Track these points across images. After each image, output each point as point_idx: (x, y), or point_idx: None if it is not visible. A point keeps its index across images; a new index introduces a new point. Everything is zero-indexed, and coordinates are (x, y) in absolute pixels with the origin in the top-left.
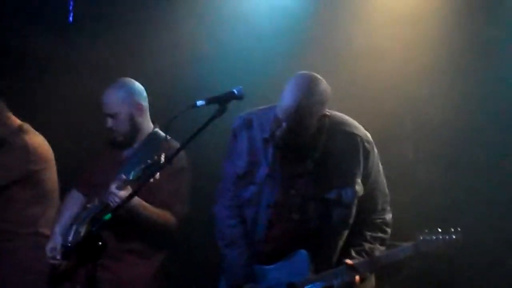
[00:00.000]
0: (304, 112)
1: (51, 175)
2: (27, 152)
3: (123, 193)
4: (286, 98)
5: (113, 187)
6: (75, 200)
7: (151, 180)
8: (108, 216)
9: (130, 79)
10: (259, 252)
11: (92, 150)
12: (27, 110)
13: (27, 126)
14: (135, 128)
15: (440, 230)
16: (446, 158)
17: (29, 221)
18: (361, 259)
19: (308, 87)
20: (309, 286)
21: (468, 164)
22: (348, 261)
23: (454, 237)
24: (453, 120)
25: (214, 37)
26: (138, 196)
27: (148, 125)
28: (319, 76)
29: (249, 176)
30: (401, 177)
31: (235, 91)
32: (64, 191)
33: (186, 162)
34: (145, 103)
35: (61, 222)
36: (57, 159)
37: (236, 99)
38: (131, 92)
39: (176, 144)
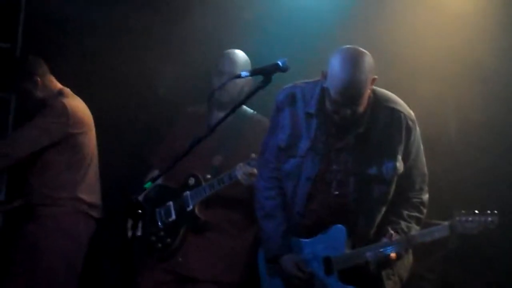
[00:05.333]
0: (360, 86)
1: (90, 140)
2: (67, 115)
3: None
4: (339, 74)
5: (243, 166)
6: None
7: None
8: (148, 184)
9: None
10: (298, 225)
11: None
12: (69, 77)
13: (67, 90)
14: (238, 96)
15: (477, 211)
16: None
17: (68, 185)
18: (398, 237)
19: (359, 61)
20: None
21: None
22: (387, 238)
23: (490, 219)
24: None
25: (258, 8)
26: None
27: None
28: (363, 49)
29: (291, 149)
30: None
31: (279, 63)
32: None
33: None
34: None
35: None
36: (99, 125)
37: (280, 71)
38: None
39: (261, 117)
